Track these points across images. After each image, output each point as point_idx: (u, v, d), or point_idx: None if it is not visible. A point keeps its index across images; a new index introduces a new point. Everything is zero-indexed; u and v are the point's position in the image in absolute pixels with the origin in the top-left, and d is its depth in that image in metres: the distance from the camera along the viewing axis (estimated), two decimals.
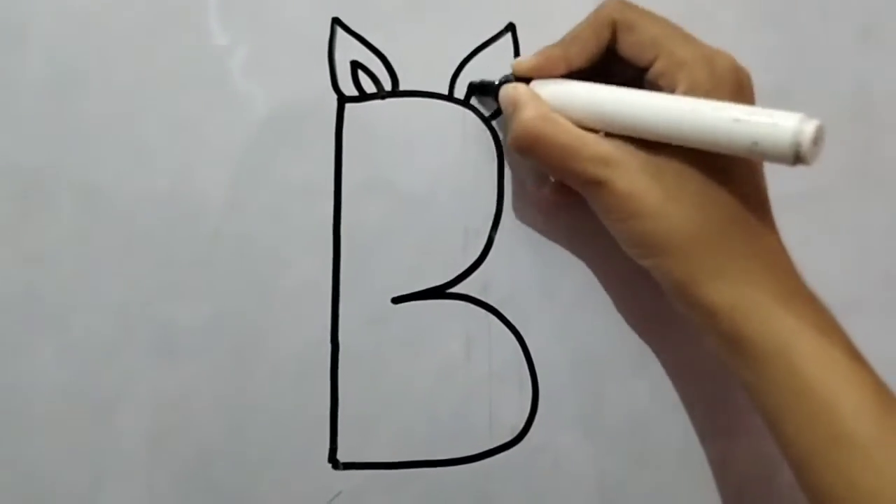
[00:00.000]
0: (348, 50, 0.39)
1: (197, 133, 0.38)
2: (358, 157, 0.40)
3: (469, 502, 0.41)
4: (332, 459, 0.40)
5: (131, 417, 0.38)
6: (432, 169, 0.40)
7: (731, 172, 0.35)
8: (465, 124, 0.41)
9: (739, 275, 0.35)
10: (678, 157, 0.34)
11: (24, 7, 0.37)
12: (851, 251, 0.44)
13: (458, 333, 0.41)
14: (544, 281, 0.41)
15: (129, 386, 0.38)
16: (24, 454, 0.38)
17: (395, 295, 0.40)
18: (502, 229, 0.41)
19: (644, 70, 0.36)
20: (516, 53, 0.41)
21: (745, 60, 0.36)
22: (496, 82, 0.39)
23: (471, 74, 0.40)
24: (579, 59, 0.37)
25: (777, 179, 0.36)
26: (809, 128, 0.31)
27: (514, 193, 0.41)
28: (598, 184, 0.35)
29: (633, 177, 0.35)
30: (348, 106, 0.39)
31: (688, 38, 0.36)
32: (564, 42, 0.38)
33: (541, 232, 0.41)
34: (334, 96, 0.39)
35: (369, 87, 0.40)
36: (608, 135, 0.36)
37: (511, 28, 0.41)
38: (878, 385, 0.34)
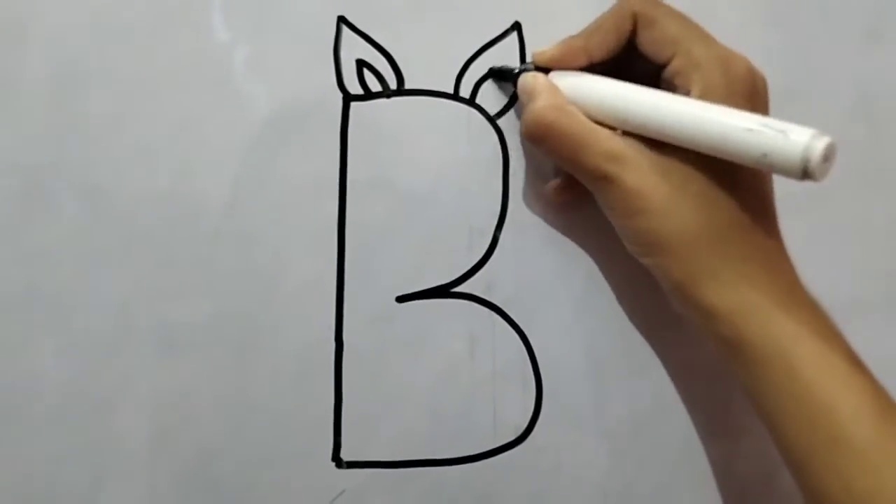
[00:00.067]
0: (354, 48, 0.39)
1: (200, 131, 0.38)
2: (363, 156, 0.39)
3: (472, 501, 0.41)
4: (336, 458, 0.40)
5: (132, 416, 0.38)
6: (437, 168, 0.40)
7: (737, 177, 0.35)
8: (471, 123, 0.40)
9: (740, 278, 0.35)
10: (687, 157, 0.35)
11: (25, 6, 0.37)
12: (854, 251, 0.44)
13: (462, 333, 0.41)
14: (549, 281, 0.41)
15: (130, 385, 0.38)
16: (24, 453, 0.37)
17: (400, 294, 0.40)
18: (507, 229, 0.41)
19: (661, 67, 0.37)
20: (522, 52, 0.41)
21: None
22: (516, 70, 0.39)
23: (476, 73, 0.40)
24: (600, 51, 0.37)
25: (781, 179, 0.36)
26: (820, 144, 0.31)
27: (519, 193, 0.41)
28: (607, 179, 0.36)
29: (642, 174, 0.35)
30: (353, 104, 0.39)
31: (706, 39, 0.36)
32: (585, 33, 0.38)
33: (545, 232, 0.41)
34: (339, 95, 0.39)
35: (375, 85, 0.40)
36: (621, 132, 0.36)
37: (517, 27, 0.41)
38: (877, 390, 0.35)
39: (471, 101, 0.40)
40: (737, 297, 0.35)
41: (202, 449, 0.39)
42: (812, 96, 0.43)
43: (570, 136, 0.36)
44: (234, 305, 0.39)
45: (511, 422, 0.41)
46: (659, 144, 0.35)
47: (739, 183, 0.35)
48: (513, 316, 0.41)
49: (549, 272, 0.41)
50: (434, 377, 0.40)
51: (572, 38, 0.38)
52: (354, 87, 0.39)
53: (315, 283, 0.39)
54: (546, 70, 0.38)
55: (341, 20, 0.39)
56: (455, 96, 0.40)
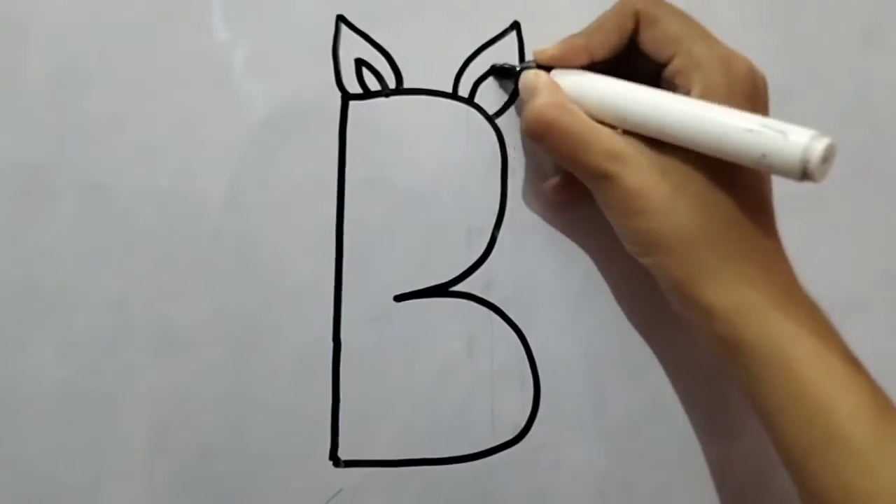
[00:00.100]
0: (353, 47, 0.39)
1: (199, 131, 0.38)
2: (361, 155, 0.39)
3: (470, 500, 0.41)
4: (333, 457, 0.40)
5: (132, 415, 0.38)
6: (436, 167, 0.40)
7: (736, 177, 0.35)
8: (469, 122, 0.40)
9: (738, 277, 0.35)
10: (687, 157, 0.35)
11: (25, 5, 0.37)
12: (853, 251, 0.44)
13: (460, 332, 0.41)
14: (547, 280, 0.41)
15: (129, 384, 0.38)
16: (24, 452, 0.37)
17: (398, 293, 0.40)
18: (505, 228, 0.41)
19: (662, 66, 0.37)
20: (521, 52, 0.41)
21: None
22: (517, 67, 0.39)
23: (475, 73, 0.40)
24: (602, 49, 0.37)
25: (780, 180, 0.36)
26: (819, 145, 0.31)
27: (518, 192, 0.41)
28: (607, 178, 0.36)
29: (642, 174, 0.35)
30: (352, 103, 0.39)
31: (707, 38, 0.36)
32: (587, 32, 0.38)
33: (544, 231, 0.41)
34: (338, 94, 0.39)
35: (374, 84, 0.40)
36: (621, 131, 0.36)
37: (516, 26, 0.41)
38: (874, 390, 0.35)
39: (469, 101, 0.40)
40: (735, 296, 0.35)
41: (201, 447, 0.39)
42: (811, 97, 0.43)
43: (570, 134, 0.36)
44: (234, 305, 0.39)
45: (509, 421, 0.41)
46: (659, 144, 0.35)
47: (738, 183, 0.35)
48: (511, 315, 0.41)
49: (547, 271, 0.41)
50: (432, 376, 0.40)
51: (574, 36, 0.38)
52: (353, 87, 0.39)
53: (313, 282, 0.39)
54: (548, 68, 0.38)
55: (340, 19, 0.39)
56: (454, 95, 0.40)
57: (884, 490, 0.33)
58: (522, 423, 0.41)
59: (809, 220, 0.43)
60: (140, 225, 0.38)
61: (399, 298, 0.40)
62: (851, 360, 0.35)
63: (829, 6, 0.44)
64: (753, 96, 0.36)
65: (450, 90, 0.40)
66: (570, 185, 0.39)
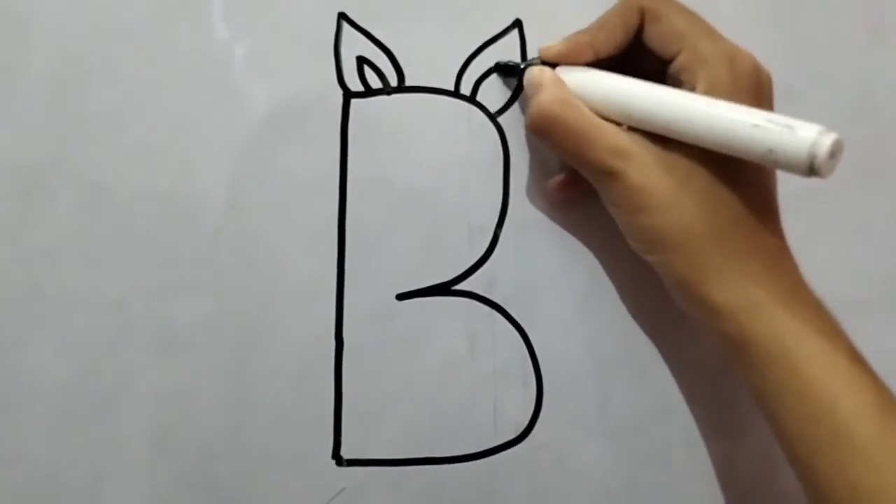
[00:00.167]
0: (354, 45, 0.39)
1: (200, 130, 0.38)
2: (363, 153, 0.39)
3: (472, 499, 0.41)
4: (336, 456, 0.39)
5: (133, 415, 0.38)
6: (438, 165, 0.40)
7: (741, 173, 0.35)
8: (471, 120, 0.40)
9: (743, 275, 0.35)
10: (692, 153, 0.35)
11: (26, 5, 0.37)
12: (856, 250, 0.44)
13: (462, 330, 0.41)
14: (549, 279, 0.41)
15: (130, 384, 0.38)
16: (25, 452, 0.37)
17: (400, 291, 0.40)
18: (508, 226, 0.41)
19: (667, 62, 0.37)
20: (523, 50, 0.41)
21: None
22: (522, 65, 0.39)
23: (477, 70, 0.40)
24: (606, 46, 0.37)
25: (783, 178, 0.36)
26: (827, 140, 0.31)
27: (520, 190, 0.41)
28: (612, 175, 0.36)
29: (646, 170, 0.35)
30: (354, 102, 0.39)
31: (713, 34, 0.36)
32: (592, 28, 0.38)
33: (547, 229, 0.41)
34: (339, 92, 0.39)
35: (375, 82, 0.40)
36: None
37: (518, 24, 0.40)
38: (880, 388, 0.35)
39: (471, 99, 0.40)
40: (740, 294, 0.35)
41: (203, 447, 0.39)
42: (814, 95, 0.43)
43: (574, 130, 0.36)
44: (235, 304, 0.39)
45: (511, 420, 0.41)
46: (663, 140, 0.35)
47: (743, 180, 0.35)
48: (513, 314, 0.41)
49: (549, 270, 0.41)
50: (434, 375, 0.40)
51: (579, 33, 0.38)
52: (355, 84, 0.39)
53: (315, 281, 0.39)
54: (552, 65, 0.38)
55: (342, 16, 0.39)
56: (456, 93, 0.40)
57: (889, 488, 0.33)
58: (525, 423, 0.41)
59: (811, 218, 0.42)
60: (140, 224, 0.38)
61: (401, 297, 0.40)
62: (857, 358, 0.35)
63: (833, 4, 0.44)
64: (758, 92, 0.36)
65: (452, 88, 0.40)
66: (573, 182, 0.39)
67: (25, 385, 0.37)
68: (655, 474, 0.42)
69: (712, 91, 0.35)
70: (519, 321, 0.41)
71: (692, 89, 0.35)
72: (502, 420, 0.41)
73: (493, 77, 0.40)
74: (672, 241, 0.35)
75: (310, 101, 0.39)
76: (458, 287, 0.40)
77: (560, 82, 0.37)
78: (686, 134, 0.34)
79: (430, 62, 0.40)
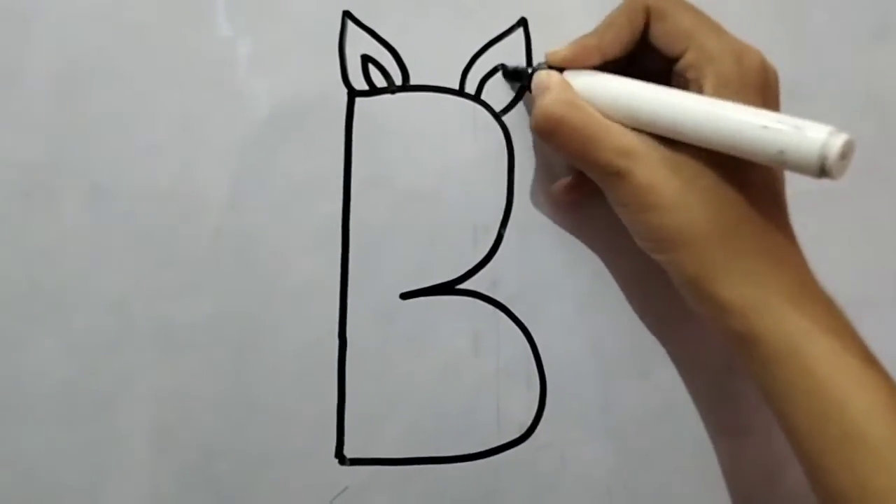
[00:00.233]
0: (359, 43, 0.39)
1: (202, 128, 0.38)
2: (367, 152, 0.39)
3: (476, 499, 0.41)
4: (339, 455, 0.39)
5: (134, 415, 0.38)
6: (442, 164, 0.40)
7: (748, 173, 0.35)
8: (476, 119, 0.40)
9: (753, 273, 0.35)
10: (699, 153, 0.35)
11: (28, 4, 0.36)
12: (864, 249, 0.45)
13: (466, 330, 0.40)
14: (553, 278, 0.41)
15: (131, 383, 0.38)
16: (25, 451, 0.37)
17: (404, 291, 0.40)
18: (512, 226, 0.41)
19: (674, 60, 0.37)
20: (528, 49, 0.40)
21: None
22: (529, 70, 0.39)
23: (482, 69, 0.40)
24: (613, 48, 0.37)
25: (790, 177, 0.36)
26: (838, 141, 0.31)
27: (525, 190, 0.41)
28: (618, 175, 0.35)
29: (653, 170, 0.35)
30: (358, 100, 0.39)
31: (719, 31, 0.36)
32: (599, 31, 0.38)
33: (550, 229, 0.41)
34: (343, 90, 0.39)
35: (380, 81, 0.39)
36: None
37: (523, 23, 0.40)
38: (891, 387, 0.34)
39: (476, 98, 0.40)
40: (749, 292, 0.35)
41: (204, 446, 0.38)
42: (821, 93, 0.43)
43: (580, 131, 0.36)
44: (237, 303, 0.38)
45: (515, 419, 0.41)
46: (669, 140, 0.35)
47: (750, 179, 0.35)
48: (517, 313, 0.41)
49: (553, 269, 0.41)
50: (438, 374, 0.40)
51: (585, 36, 0.38)
52: (359, 83, 0.39)
53: (318, 280, 0.39)
54: (560, 70, 0.38)
55: (346, 15, 0.39)
56: (461, 92, 0.40)
57: None
58: (528, 422, 0.41)
59: (819, 217, 0.42)
60: (142, 223, 0.38)
61: (405, 296, 0.40)
62: (867, 357, 0.35)
63: (840, 2, 0.44)
64: (765, 89, 0.36)
65: (457, 87, 0.40)
66: (580, 185, 0.39)
67: (26, 384, 0.37)
68: (659, 474, 0.42)
69: (720, 88, 0.35)
70: (523, 321, 0.41)
71: (699, 87, 0.35)
72: (506, 419, 0.41)
73: (498, 76, 0.40)
74: (680, 239, 0.35)
75: (314, 100, 0.39)
76: (462, 286, 0.40)
77: (566, 84, 0.37)
78: (695, 137, 0.34)
79: (434, 61, 0.40)
